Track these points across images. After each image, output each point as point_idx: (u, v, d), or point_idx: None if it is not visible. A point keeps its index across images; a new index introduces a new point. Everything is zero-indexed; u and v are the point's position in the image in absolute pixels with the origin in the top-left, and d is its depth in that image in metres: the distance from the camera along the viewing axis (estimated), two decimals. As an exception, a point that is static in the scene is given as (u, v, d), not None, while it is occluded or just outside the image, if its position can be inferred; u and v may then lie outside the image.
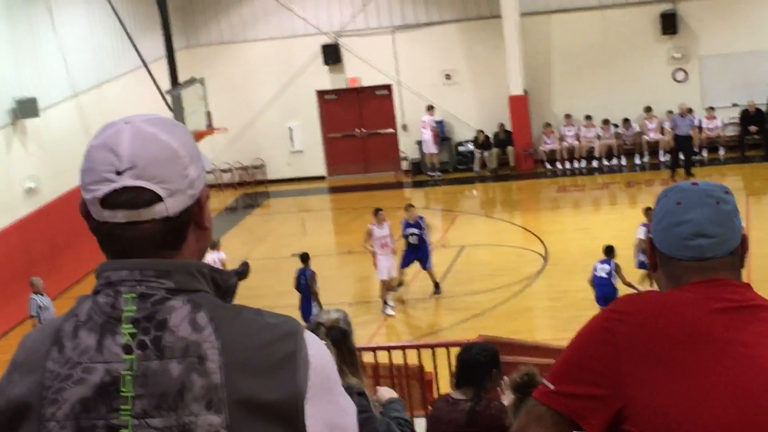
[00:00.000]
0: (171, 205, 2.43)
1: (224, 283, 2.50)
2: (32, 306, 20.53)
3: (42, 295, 20.62)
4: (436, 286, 23.76)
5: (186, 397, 2.33)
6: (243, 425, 2.35)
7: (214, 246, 24.45)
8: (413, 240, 23.31)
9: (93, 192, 2.42)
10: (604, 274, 20.72)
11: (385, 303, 23.24)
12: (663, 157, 31.73)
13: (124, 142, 2.41)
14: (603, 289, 20.58)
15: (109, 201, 2.41)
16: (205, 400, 2.33)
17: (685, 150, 30.46)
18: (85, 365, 2.37)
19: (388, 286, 23.26)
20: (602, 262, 20.92)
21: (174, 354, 2.35)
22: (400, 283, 23.75)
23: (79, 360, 2.38)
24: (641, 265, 21.69)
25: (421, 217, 23.78)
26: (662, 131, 31.96)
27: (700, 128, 31.96)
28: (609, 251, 20.94)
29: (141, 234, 2.42)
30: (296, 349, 2.41)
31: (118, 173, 2.40)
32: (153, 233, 2.43)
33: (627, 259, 22.62)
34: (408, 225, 23.46)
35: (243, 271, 2.59)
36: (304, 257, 21.91)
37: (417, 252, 23.47)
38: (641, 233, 21.85)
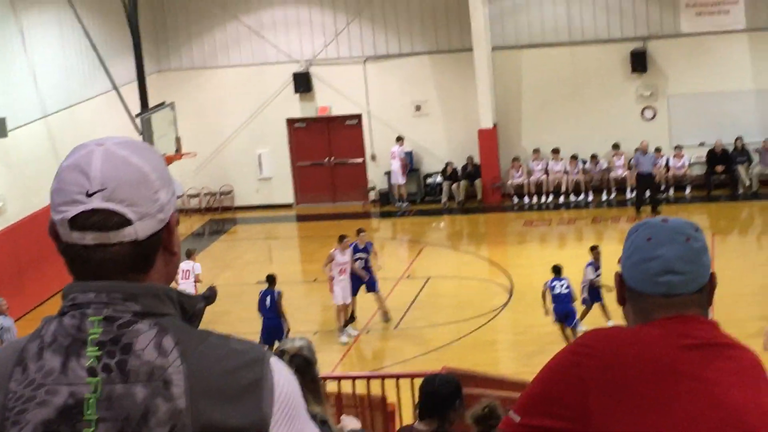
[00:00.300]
0: (140, 229, 2.42)
1: (191, 307, 2.49)
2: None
3: (5, 315, 20.48)
4: (385, 315, 23.94)
5: (150, 422, 2.31)
6: None
7: (190, 255, 24.53)
8: (360, 264, 23.71)
9: (62, 213, 2.41)
10: (564, 290, 21.49)
11: (342, 329, 23.31)
12: (630, 194, 31.86)
13: (95, 164, 2.40)
14: (566, 305, 21.43)
15: (78, 222, 2.40)
16: (169, 425, 2.32)
17: (648, 188, 30.65)
18: (49, 387, 2.34)
19: (344, 312, 23.35)
20: (557, 279, 21.65)
21: (139, 378, 2.34)
22: (352, 318, 23.74)
23: (43, 381, 2.35)
24: (584, 302, 22.31)
25: (369, 243, 24.24)
26: (629, 168, 32.13)
27: (667, 167, 32.15)
28: (559, 270, 21.74)
29: (109, 257, 2.41)
30: (262, 376, 2.41)
31: (88, 195, 2.39)
32: (121, 256, 2.42)
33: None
34: (357, 249, 23.84)
35: (210, 296, 2.59)
36: (270, 278, 21.93)
37: (363, 278, 23.83)
38: (590, 273, 22.26)
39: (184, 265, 23.92)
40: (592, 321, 21.45)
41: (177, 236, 2.53)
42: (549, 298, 21.66)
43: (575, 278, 22.23)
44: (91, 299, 2.40)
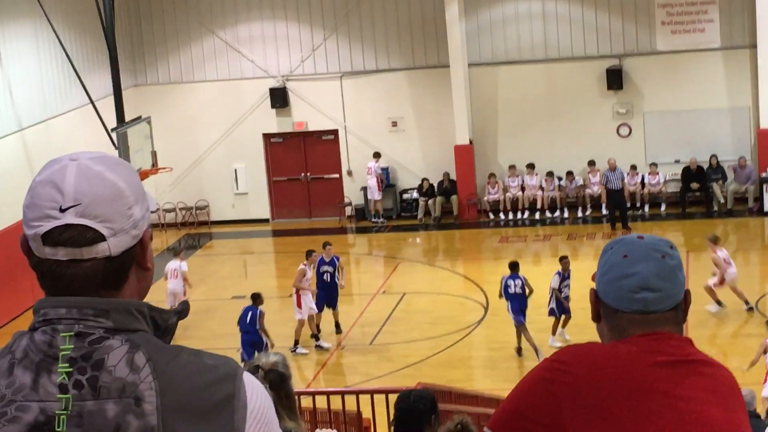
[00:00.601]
0: (114, 245, 2.41)
1: (163, 322, 2.48)
2: None
3: None
4: (337, 325, 24.25)
5: None
6: None
7: (177, 254, 24.73)
8: (326, 278, 23.91)
9: (35, 228, 2.39)
10: (519, 290, 22.11)
11: (317, 336, 23.32)
12: (605, 211, 31.95)
13: (69, 179, 2.39)
14: (522, 302, 22.07)
15: (51, 238, 2.38)
16: None
17: (617, 204, 30.79)
18: (20, 403, 2.32)
19: (313, 321, 23.56)
20: (512, 277, 22.25)
21: (110, 394, 2.32)
22: (318, 333, 23.75)
23: (14, 398, 2.33)
24: (551, 313, 22.59)
25: (336, 257, 24.31)
26: (606, 185, 32.26)
27: (642, 183, 32.27)
28: (515, 266, 22.39)
29: (82, 272, 2.40)
30: (235, 392, 2.40)
31: (62, 210, 2.37)
32: (94, 272, 2.40)
33: (578, 312, 22.69)
34: (323, 263, 23.99)
35: (182, 311, 2.58)
36: (255, 297, 21.98)
37: (330, 290, 23.95)
38: (555, 282, 22.53)
39: (172, 264, 24.38)
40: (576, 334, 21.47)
41: (150, 252, 2.52)
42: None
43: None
44: (62, 315, 2.38)
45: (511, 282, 22.23)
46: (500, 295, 22.49)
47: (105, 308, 2.39)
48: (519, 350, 22.18)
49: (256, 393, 2.45)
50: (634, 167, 32.06)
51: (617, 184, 30.97)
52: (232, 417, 2.38)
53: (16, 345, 2.41)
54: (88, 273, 2.40)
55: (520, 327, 22.05)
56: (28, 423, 2.31)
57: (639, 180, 32.25)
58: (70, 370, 2.34)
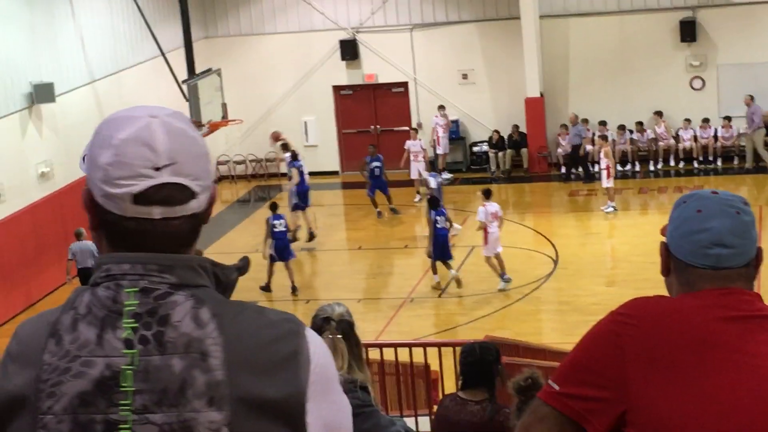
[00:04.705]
0: (202, 201, 2.44)
1: (225, 278, 2.49)
2: (70, 252, 22.89)
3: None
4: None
5: (187, 394, 2.32)
6: (244, 423, 2.34)
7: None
8: (377, 172, 29.35)
9: (126, 187, 2.38)
10: (442, 225, 23.34)
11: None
12: (673, 164, 31.69)
13: (161, 137, 2.39)
14: (444, 238, 23.29)
15: (146, 197, 2.38)
16: (207, 397, 2.32)
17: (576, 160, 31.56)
18: (85, 359, 2.33)
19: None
20: (438, 213, 23.47)
21: (176, 350, 2.33)
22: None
23: (79, 353, 2.34)
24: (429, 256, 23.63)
25: (379, 156, 29.53)
26: (676, 138, 31.96)
27: (716, 137, 31.91)
28: (435, 202, 23.99)
29: (172, 230, 2.42)
30: (298, 348, 2.41)
31: (157, 169, 2.38)
32: (181, 229, 2.43)
33: (638, 265, 22.58)
34: (372, 160, 29.43)
35: (243, 266, 2.57)
36: (273, 206, 24.77)
37: (378, 181, 29.39)
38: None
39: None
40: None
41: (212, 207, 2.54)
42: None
43: (630, 249, 22.02)
44: (126, 270, 2.39)
45: (439, 218, 23.46)
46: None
47: (169, 264, 2.40)
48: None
49: (319, 350, 2.46)
50: (706, 120, 31.69)
51: (576, 140, 31.74)
52: (297, 373, 2.39)
53: (79, 300, 2.41)
54: (177, 230, 2.42)
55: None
56: (93, 378, 2.33)
57: (712, 133, 31.89)
58: (136, 325, 2.35)
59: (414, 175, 30.72)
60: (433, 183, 26.99)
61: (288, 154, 28.28)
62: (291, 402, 2.37)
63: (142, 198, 2.38)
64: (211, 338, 2.35)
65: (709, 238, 2.99)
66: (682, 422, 2.83)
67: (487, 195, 23.67)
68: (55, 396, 2.34)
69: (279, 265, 23.94)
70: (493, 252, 23.36)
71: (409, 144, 31.05)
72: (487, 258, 23.46)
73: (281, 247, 24.00)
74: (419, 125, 33.33)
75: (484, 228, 23.15)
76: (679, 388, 2.85)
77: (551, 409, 2.97)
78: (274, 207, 24.70)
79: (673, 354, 2.87)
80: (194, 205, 2.42)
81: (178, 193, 2.39)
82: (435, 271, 23.79)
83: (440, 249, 23.46)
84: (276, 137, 29.17)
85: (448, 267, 23.61)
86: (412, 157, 30.75)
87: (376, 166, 29.35)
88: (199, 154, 2.43)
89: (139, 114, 2.43)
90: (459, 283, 23.73)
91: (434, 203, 23.85)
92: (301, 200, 27.56)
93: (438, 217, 23.41)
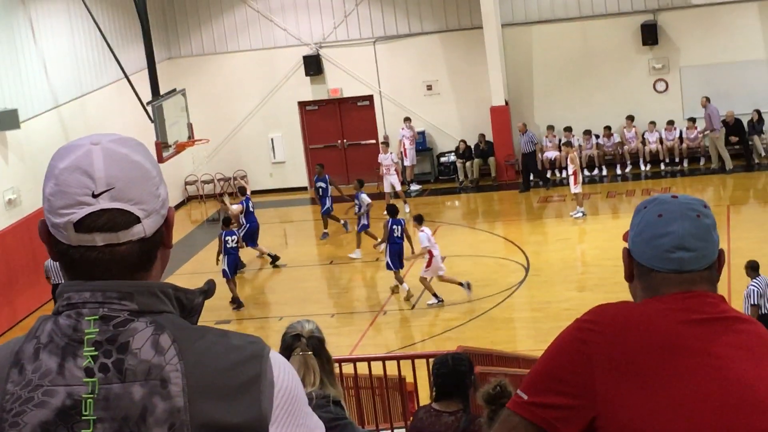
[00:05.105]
0: (147, 226, 2.42)
1: (189, 302, 2.48)
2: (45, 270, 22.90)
3: None
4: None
5: (148, 421, 2.31)
6: None
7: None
8: (320, 192, 29.40)
9: (67, 216, 2.38)
10: (398, 234, 23.58)
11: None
12: (643, 168, 31.81)
13: (98, 164, 2.38)
14: (398, 247, 23.55)
15: (86, 224, 2.38)
16: (168, 424, 2.31)
17: (530, 168, 31.64)
18: (46, 388, 2.33)
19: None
20: (395, 222, 23.73)
21: (136, 377, 2.33)
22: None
23: (41, 383, 2.34)
24: (388, 267, 23.89)
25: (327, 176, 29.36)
26: (642, 141, 32.09)
27: (681, 139, 32.08)
28: (394, 210, 24.20)
29: (119, 256, 2.40)
30: (261, 372, 2.40)
31: (95, 196, 2.37)
32: (129, 255, 2.41)
33: (609, 269, 22.65)
34: (318, 179, 29.57)
35: (208, 290, 2.56)
36: (226, 221, 25.31)
37: (322, 201, 29.28)
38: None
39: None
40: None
41: (171, 231, 2.53)
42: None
43: (599, 253, 22.14)
44: (86, 299, 2.39)
45: (397, 228, 23.62)
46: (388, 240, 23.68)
47: (129, 291, 2.39)
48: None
49: (284, 373, 2.45)
50: (671, 122, 31.86)
51: (528, 147, 31.76)
52: (259, 397, 2.38)
53: (41, 329, 2.41)
54: (124, 256, 2.41)
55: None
56: (55, 407, 2.33)
57: (677, 135, 32.05)
58: (96, 353, 2.35)
59: (387, 189, 30.77)
60: (366, 200, 26.84)
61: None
62: (254, 426, 2.36)
63: (82, 226, 2.38)
64: (171, 365, 2.34)
65: (671, 242, 3.00)
66: (651, 427, 2.84)
67: (419, 220, 23.50)
68: (18, 426, 2.33)
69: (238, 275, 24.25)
70: (434, 274, 23.29)
71: (381, 158, 31.10)
72: (423, 279, 23.35)
73: (233, 263, 24.18)
74: (386, 138, 33.36)
75: (429, 252, 23.02)
76: (646, 393, 2.86)
77: (521, 418, 2.97)
78: (227, 222, 24.86)
79: (639, 359, 2.88)
80: (139, 230, 2.40)
81: (120, 219, 2.38)
82: (401, 281, 23.82)
83: (397, 258, 23.57)
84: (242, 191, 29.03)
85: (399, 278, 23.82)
86: (384, 171, 30.83)
87: (319, 186, 29.47)
88: (142, 178, 2.41)
89: (83, 142, 2.43)
90: (396, 290, 24.05)
91: (393, 212, 23.89)
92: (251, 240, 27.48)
93: (395, 227, 23.46)
